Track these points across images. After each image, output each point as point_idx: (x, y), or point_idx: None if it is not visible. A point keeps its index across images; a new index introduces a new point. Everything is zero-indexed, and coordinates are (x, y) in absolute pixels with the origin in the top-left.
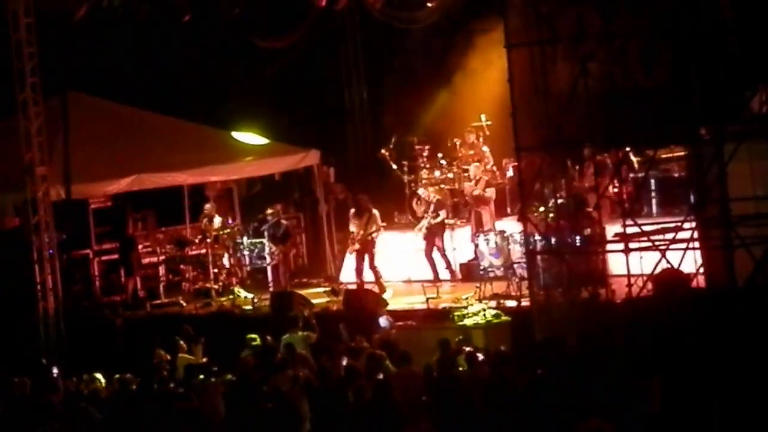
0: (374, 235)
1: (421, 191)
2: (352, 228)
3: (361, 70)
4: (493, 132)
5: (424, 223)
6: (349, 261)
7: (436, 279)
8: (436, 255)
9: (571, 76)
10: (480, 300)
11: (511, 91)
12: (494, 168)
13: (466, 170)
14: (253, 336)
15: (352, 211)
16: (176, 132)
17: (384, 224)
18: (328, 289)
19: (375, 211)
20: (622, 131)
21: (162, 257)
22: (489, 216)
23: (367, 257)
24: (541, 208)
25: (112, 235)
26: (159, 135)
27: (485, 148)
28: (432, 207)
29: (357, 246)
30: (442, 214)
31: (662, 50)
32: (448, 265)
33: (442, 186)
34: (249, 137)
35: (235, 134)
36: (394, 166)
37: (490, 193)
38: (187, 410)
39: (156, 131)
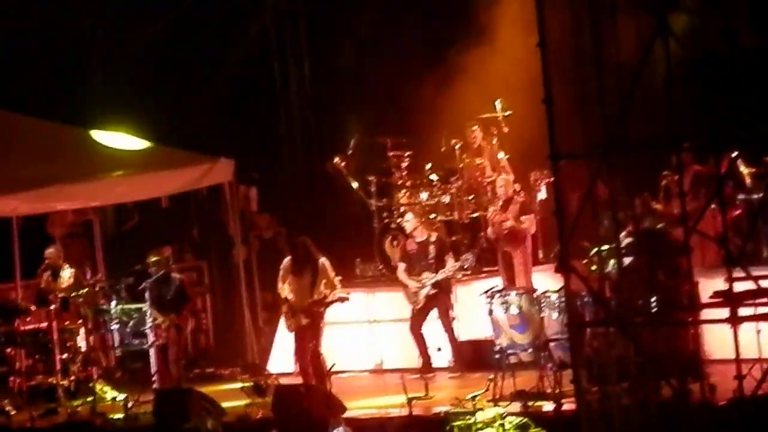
0: (327, 300)
1: (408, 220)
2: (286, 292)
3: (302, 28)
4: (513, 129)
5: (428, 286)
6: (283, 339)
7: (426, 367)
8: (432, 329)
9: (642, 37)
10: (495, 401)
11: (543, 61)
12: (516, 185)
13: (473, 190)
14: None
15: (287, 262)
16: (2, 130)
17: (339, 278)
18: (248, 384)
19: (324, 261)
20: (725, 126)
21: None
22: (522, 262)
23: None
24: (595, 251)
25: None
26: None
27: (501, 155)
28: (432, 250)
29: (303, 319)
30: (451, 262)
31: None
32: (454, 345)
33: (433, 216)
34: (119, 138)
35: (97, 134)
36: (355, 185)
37: (527, 222)
38: None
39: None
